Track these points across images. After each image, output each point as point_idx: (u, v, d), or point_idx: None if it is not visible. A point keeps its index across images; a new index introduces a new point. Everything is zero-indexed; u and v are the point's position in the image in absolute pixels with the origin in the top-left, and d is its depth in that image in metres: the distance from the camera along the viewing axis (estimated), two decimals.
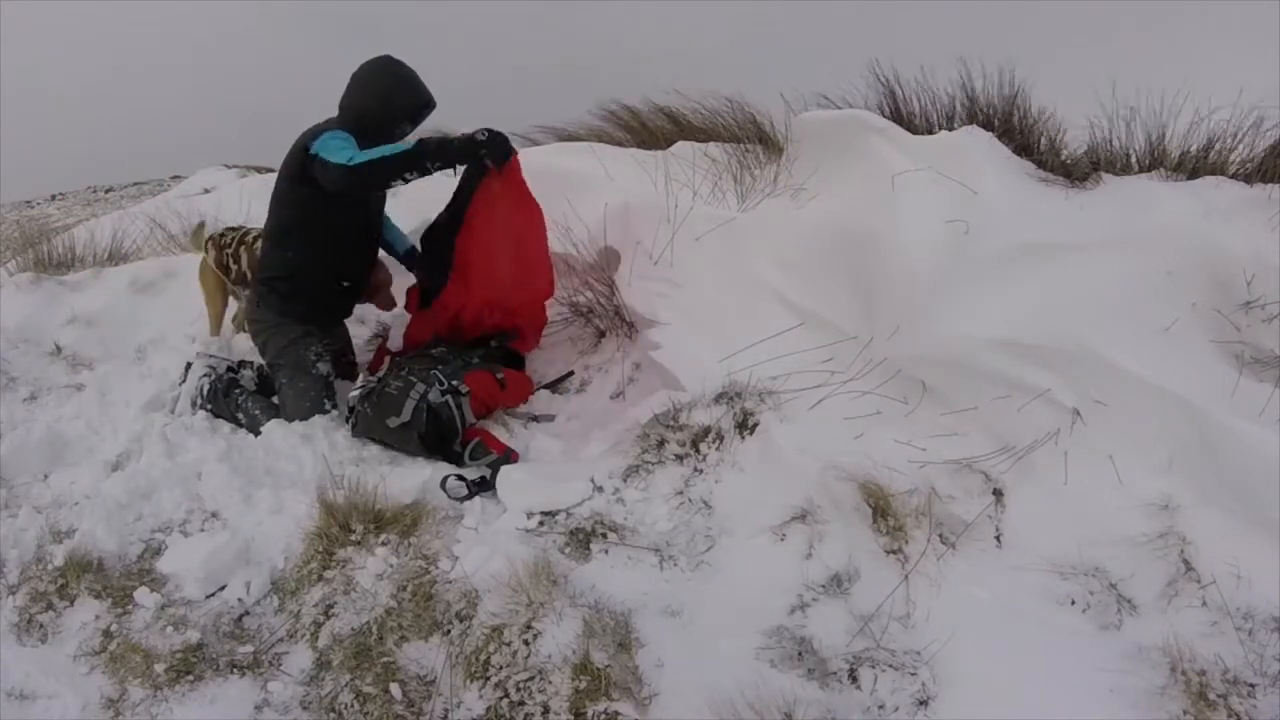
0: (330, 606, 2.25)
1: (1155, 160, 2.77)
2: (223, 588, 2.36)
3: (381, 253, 3.46)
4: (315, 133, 2.96)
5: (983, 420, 2.36)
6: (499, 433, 3.04)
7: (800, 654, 2.01)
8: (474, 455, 2.84)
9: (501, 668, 2.01)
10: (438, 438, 2.89)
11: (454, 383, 2.95)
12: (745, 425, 2.56)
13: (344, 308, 3.37)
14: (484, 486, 2.67)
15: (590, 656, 1.95)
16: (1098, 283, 2.38)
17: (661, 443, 2.62)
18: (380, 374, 3.03)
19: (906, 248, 2.63)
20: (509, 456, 2.84)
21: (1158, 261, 2.36)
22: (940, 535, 2.21)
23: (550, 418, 3.16)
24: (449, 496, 2.63)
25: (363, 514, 2.43)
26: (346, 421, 3.00)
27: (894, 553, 2.20)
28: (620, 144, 4.18)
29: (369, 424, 2.90)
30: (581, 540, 2.36)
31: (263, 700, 2.09)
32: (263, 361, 3.27)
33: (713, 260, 3.11)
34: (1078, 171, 2.76)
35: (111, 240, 4.86)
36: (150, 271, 4.11)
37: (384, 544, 2.38)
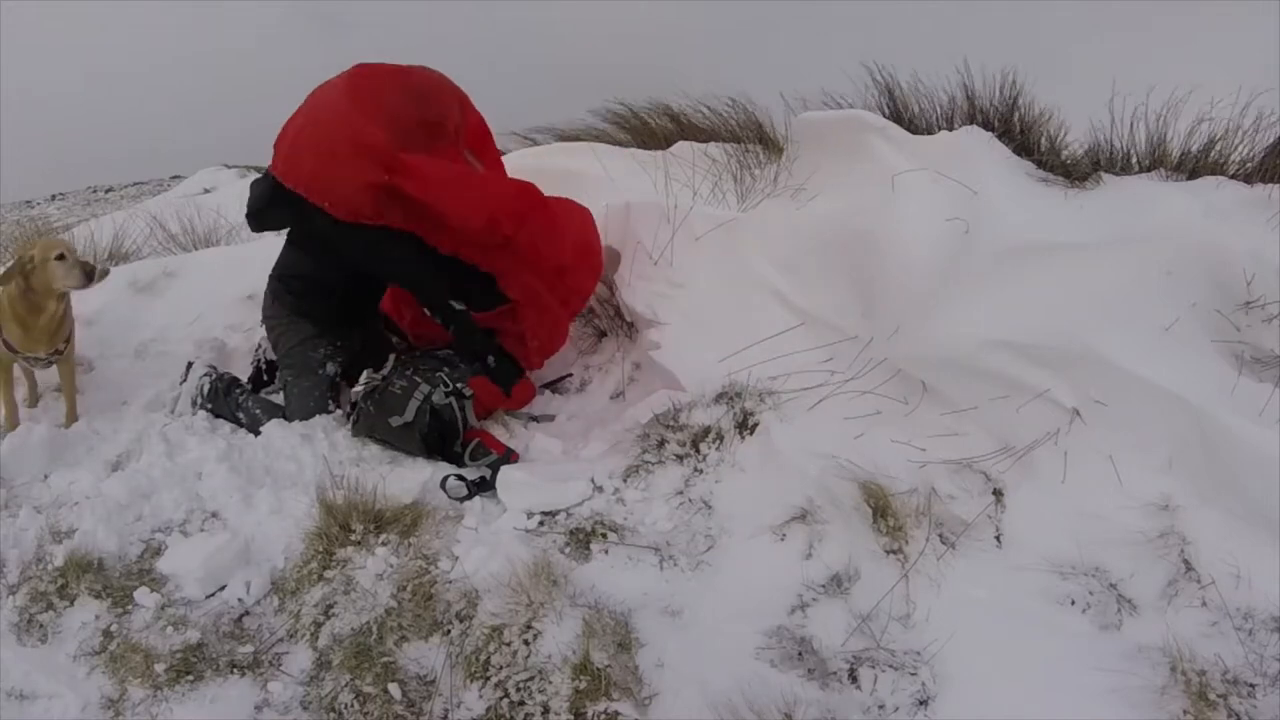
0: (330, 606, 2.25)
1: (1156, 160, 2.77)
2: (223, 588, 2.36)
3: None
4: None
5: (983, 420, 2.36)
6: (499, 433, 3.04)
7: (800, 654, 2.01)
8: (474, 456, 2.84)
9: (501, 668, 2.01)
10: (439, 438, 2.89)
11: (458, 385, 2.96)
12: (745, 425, 2.56)
13: (357, 312, 3.33)
14: (484, 487, 2.67)
15: (590, 656, 1.95)
16: (1098, 283, 2.38)
17: (661, 443, 2.62)
18: (384, 372, 3.03)
19: (906, 247, 2.63)
20: (509, 457, 2.84)
21: (1158, 261, 2.36)
22: (940, 535, 2.21)
23: (550, 418, 3.16)
24: (449, 496, 2.63)
25: (363, 514, 2.43)
26: (347, 418, 3.00)
27: (894, 553, 2.20)
28: (620, 144, 4.18)
29: (371, 422, 2.89)
30: (581, 540, 2.36)
31: (263, 700, 2.09)
32: (273, 356, 3.26)
33: (713, 260, 3.11)
34: (1078, 171, 2.76)
35: (111, 240, 4.87)
36: (150, 271, 4.10)
37: (384, 544, 2.38)
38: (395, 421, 2.84)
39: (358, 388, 2.99)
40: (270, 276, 3.22)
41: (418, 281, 3.07)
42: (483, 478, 2.69)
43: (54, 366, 3.11)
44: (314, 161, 2.76)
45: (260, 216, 2.97)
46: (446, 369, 2.99)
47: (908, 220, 2.67)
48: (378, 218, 2.78)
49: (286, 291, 3.15)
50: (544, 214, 3.04)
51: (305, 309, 3.13)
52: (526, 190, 3.03)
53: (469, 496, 2.63)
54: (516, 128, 4.89)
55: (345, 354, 3.18)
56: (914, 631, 2.04)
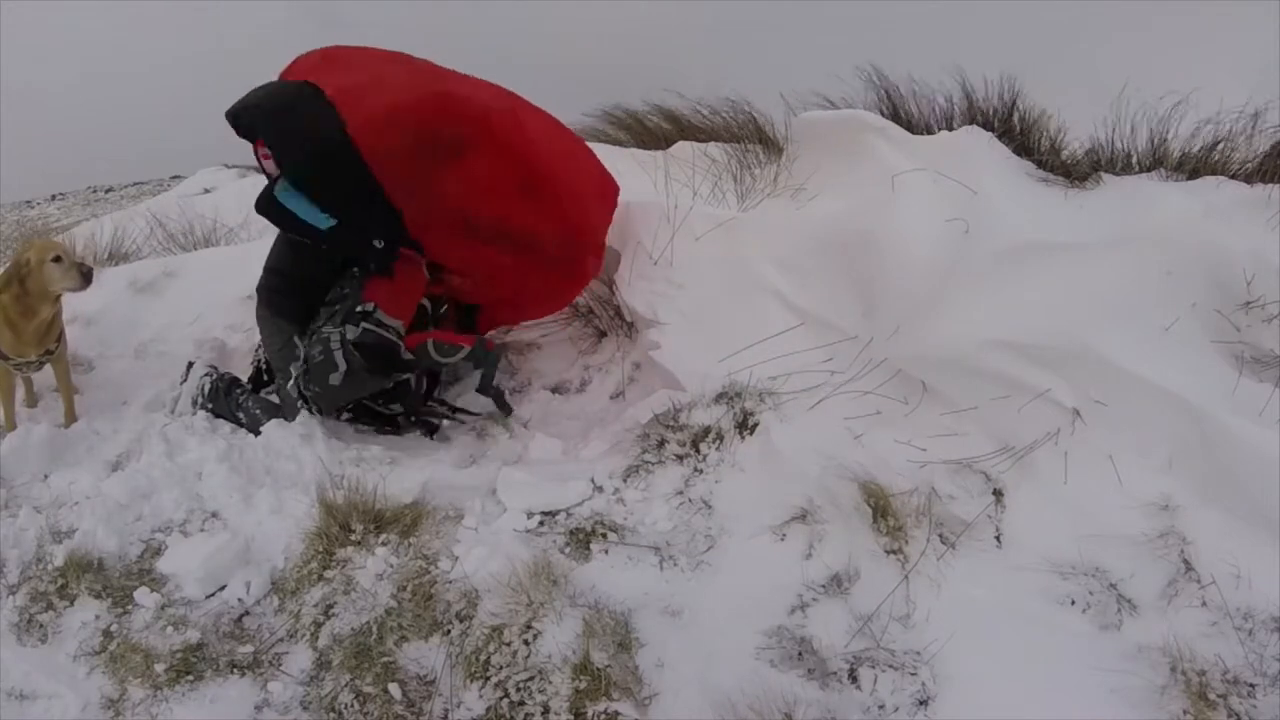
0: (330, 606, 2.25)
1: (1156, 160, 2.77)
2: (223, 588, 2.36)
3: None
4: None
5: (983, 420, 2.36)
6: (498, 432, 3.04)
7: (800, 654, 2.01)
8: (441, 352, 2.83)
9: (501, 668, 2.01)
10: (384, 363, 2.88)
11: (356, 310, 2.93)
12: (745, 425, 2.56)
13: None
14: (484, 385, 2.77)
15: (590, 656, 1.95)
16: (1098, 283, 2.38)
17: (661, 443, 2.62)
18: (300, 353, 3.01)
19: (906, 247, 2.63)
20: (484, 344, 2.84)
21: (1158, 261, 2.37)
22: (940, 535, 2.21)
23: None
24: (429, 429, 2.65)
25: (363, 514, 2.43)
26: (310, 414, 2.97)
27: (894, 553, 2.20)
28: (620, 144, 4.18)
29: (325, 399, 2.89)
30: (581, 540, 2.36)
31: (263, 700, 2.10)
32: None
33: (713, 260, 3.11)
34: (1078, 171, 2.76)
35: (111, 240, 4.87)
36: (150, 271, 4.10)
37: (384, 544, 2.38)
38: (335, 379, 2.83)
39: (289, 384, 2.96)
40: (262, 273, 3.21)
41: (366, 228, 2.98)
42: (484, 375, 2.71)
43: (46, 367, 3.10)
44: (370, 80, 2.81)
45: (258, 112, 2.89)
46: (335, 308, 2.97)
47: (908, 220, 2.67)
48: (374, 154, 2.76)
49: (269, 289, 3.16)
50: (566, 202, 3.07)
51: (285, 308, 3.13)
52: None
53: (437, 425, 2.70)
54: None
55: None
56: (914, 631, 2.04)
